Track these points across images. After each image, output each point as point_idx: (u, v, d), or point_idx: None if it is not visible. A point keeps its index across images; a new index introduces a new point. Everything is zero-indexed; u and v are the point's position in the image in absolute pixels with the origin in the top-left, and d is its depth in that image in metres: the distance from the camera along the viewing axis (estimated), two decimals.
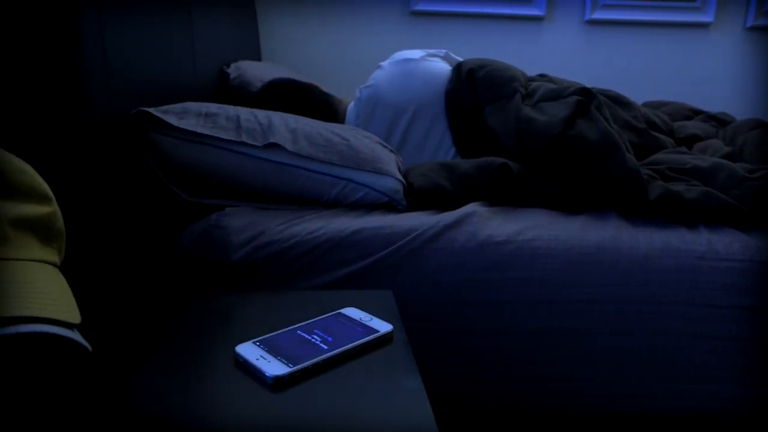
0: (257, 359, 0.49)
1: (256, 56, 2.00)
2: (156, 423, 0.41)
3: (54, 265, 0.55)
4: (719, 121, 1.48)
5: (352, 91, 2.14)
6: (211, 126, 0.94)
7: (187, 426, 0.41)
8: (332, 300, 0.64)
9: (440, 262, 0.87)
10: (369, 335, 0.54)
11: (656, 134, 1.29)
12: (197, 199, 0.96)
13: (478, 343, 0.88)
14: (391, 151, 1.08)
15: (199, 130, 0.92)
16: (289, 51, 2.17)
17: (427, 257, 0.87)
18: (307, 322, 0.57)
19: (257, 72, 1.56)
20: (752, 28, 2.23)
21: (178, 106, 0.96)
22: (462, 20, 2.18)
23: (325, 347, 0.51)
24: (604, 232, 0.90)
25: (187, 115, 0.95)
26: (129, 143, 0.92)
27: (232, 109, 0.99)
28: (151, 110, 0.91)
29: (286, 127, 0.98)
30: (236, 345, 0.52)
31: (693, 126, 1.42)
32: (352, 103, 1.35)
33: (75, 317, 0.47)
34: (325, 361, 0.49)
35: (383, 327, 0.56)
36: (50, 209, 0.55)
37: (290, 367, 0.47)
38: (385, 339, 0.55)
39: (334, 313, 0.59)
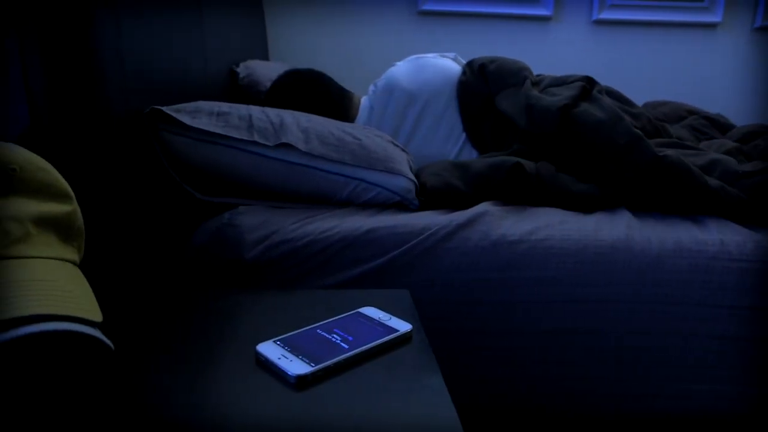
0: (279, 358, 0.49)
1: (264, 56, 2.00)
2: (179, 422, 0.41)
3: (74, 263, 0.55)
4: (713, 121, 1.48)
5: (358, 91, 2.14)
6: (223, 125, 0.94)
7: (211, 425, 0.41)
8: (349, 299, 0.64)
9: (453, 262, 0.87)
10: (389, 335, 0.54)
11: (659, 133, 1.30)
12: (210, 197, 0.96)
13: (491, 343, 0.88)
14: (403, 150, 1.08)
15: (211, 129, 0.92)
16: (296, 50, 2.17)
17: (440, 256, 0.87)
18: (326, 321, 0.57)
19: (266, 71, 1.56)
20: (760, 29, 2.23)
21: (191, 105, 0.96)
22: (469, 20, 2.18)
23: (346, 346, 0.51)
24: (616, 232, 0.90)
25: (199, 114, 0.95)
26: (143, 142, 0.92)
27: (244, 108, 0.99)
28: (165, 109, 0.92)
29: (298, 126, 0.98)
30: (256, 344, 0.52)
31: (677, 130, 1.42)
32: (365, 97, 1.36)
33: (97, 315, 0.47)
34: (346, 360, 0.49)
35: (403, 326, 0.56)
36: (71, 207, 0.55)
37: (312, 366, 0.47)
38: (405, 338, 0.55)
39: (353, 312, 0.59)
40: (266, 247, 0.87)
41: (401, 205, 1.01)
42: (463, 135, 1.27)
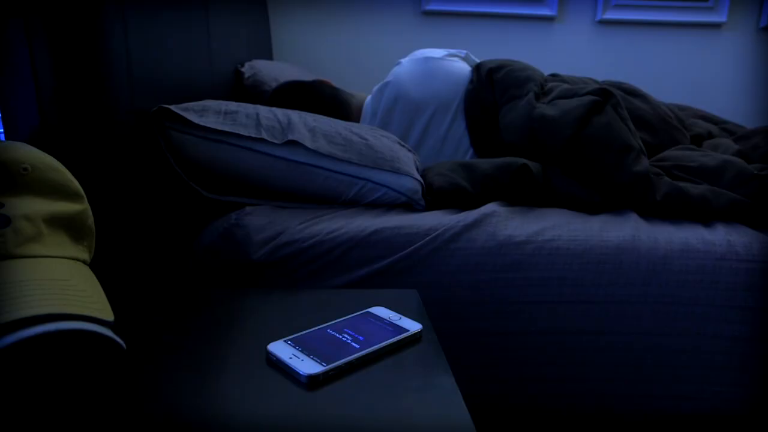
0: (290, 358, 0.49)
1: (268, 56, 2.00)
2: (190, 421, 0.41)
3: (85, 262, 0.55)
4: (730, 132, 1.48)
5: (362, 90, 2.14)
6: (230, 123, 0.94)
7: (222, 424, 0.41)
8: (358, 299, 0.64)
9: (460, 262, 0.87)
10: (399, 334, 0.54)
11: (671, 129, 1.29)
12: (216, 195, 0.96)
13: (498, 343, 0.88)
14: (410, 150, 1.08)
15: (218, 127, 0.93)
16: (301, 50, 2.17)
17: (446, 257, 0.87)
18: (336, 321, 0.57)
19: (271, 71, 1.56)
20: (765, 29, 2.22)
21: (198, 104, 0.97)
22: (473, 20, 2.18)
23: (357, 346, 0.51)
24: (623, 233, 0.90)
25: (206, 113, 0.95)
26: (150, 141, 0.93)
27: (251, 107, 1.00)
28: (172, 107, 0.92)
29: (305, 125, 0.98)
30: (266, 343, 0.52)
31: (705, 125, 1.42)
32: (368, 98, 1.35)
33: (109, 315, 0.48)
34: (357, 359, 0.49)
35: (413, 326, 0.56)
36: (82, 207, 0.55)
37: (324, 365, 0.48)
38: (415, 338, 0.55)
39: (363, 312, 0.59)
40: (273, 247, 0.87)
41: (408, 205, 1.01)
42: (471, 150, 1.27)
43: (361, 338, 0.53)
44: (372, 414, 0.43)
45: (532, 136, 1.09)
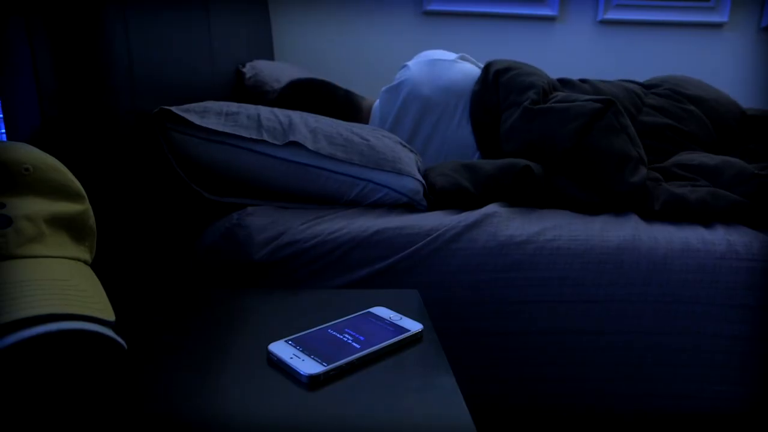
0: (291, 358, 0.49)
1: (269, 56, 2.00)
2: (191, 421, 0.41)
3: (86, 262, 0.55)
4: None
5: (364, 90, 2.15)
6: (232, 125, 0.94)
7: (223, 424, 0.41)
8: (359, 299, 0.64)
9: (461, 262, 0.87)
10: (400, 334, 0.54)
11: (675, 135, 1.29)
12: (218, 197, 0.96)
13: (499, 343, 0.88)
14: (411, 150, 1.08)
15: (220, 128, 0.93)
16: (302, 50, 2.17)
17: (448, 257, 0.87)
18: (337, 321, 0.57)
19: (273, 71, 1.56)
20: (766, 29, 2.22)
21: (199, 105, 0.97)
22: (474, 20, 2.18)
23: (358, 346, 0.51)
24: (623, 233, 0.90)
25: (208, 114, 0.95)
26: (151, 142, 0.93)
27: (252, 108, 1.00)
28: (173, 109, 0.92)
29: (306, 126, 0.98)
30: (267, 343, 0.52)
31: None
32: (377, 102, 1.35)
33: (110, 315, 0.48)
34: (358, 359, 0.50)
35: (414, 326, 0.56)
36: (83, 207, 0.55)
37: (324, 365, 0.48)
38: (416, 338, 0.55)
39: (364, 312, 0.59)
40: (275, 247, 0.87)
41: (409, 206, 1.01)
42: (477, 154, 1.27)
43: (361, 338, 0.53)
44: (372, 414, 0.43)
45: (531, 155, 1.10)
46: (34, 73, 0.74)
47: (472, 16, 2.18)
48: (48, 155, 0.55)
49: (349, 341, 0.52)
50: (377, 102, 1.35)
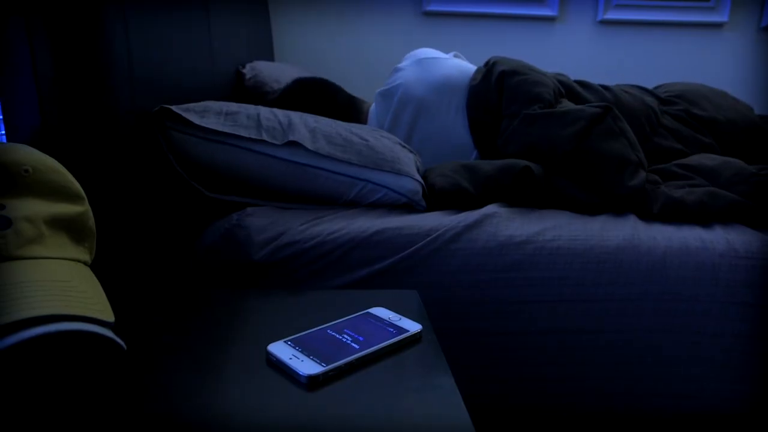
0: (290, 358, 0.49)
1: (269, 57, 2.00)
2: (190, 422, 0.42)
3: (85, 263, 0.55)
4: None
5: (363, 91, 2.14)
6: (231, 124, 0.95)
7: (222, 424, 0.41)
8: (358, 299, 0.65)
9: (461, 263, 0.87)
10: (399, 335, 0.54)
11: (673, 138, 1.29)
12: (217, 195, 0.97)
13: (499, 343, 0.88)
14: (411, 151, 1.08)
15: (219, 128, 0.93)
16: (301, 51, 2.17)
17: (447, 257, 0.87)
18: (336, 321, 0.57)
19: (272, 72, 1.56)
20: (766, 28, 2.22)
21: (199, 105, 0.97)
22: (474, 20, 2.18)
23: (357, 347, 0.51)
24: (623, 232, 0.91)
25: (207, 114, 0.95)
26: (151, 142, 0.93)
27: (252, 108, 1.00)
28: (173, 108, 0.92)
29: (306, 126, 0.99)
30: (266, 344, 0.52)
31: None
32: (372, 106, 1.35)
33: (109, 315, 0.48)
34: (357, 360, 0.50)
35: (413, 327, 0.56)
36: (83, 208, 0.55)
37: (323, 366, 0.48)
38: (415, 339, 0.55)
39: (363, 312, 0.59)
40: (274, 248, 0.87)
41: (409, 206, 1.01)
42: (475, 153, 1.27)
43: (361, 339, 0.53)
44: (372, 414, 0.43)
45: (530, 150, 1.10)
46: (34, 73, 0.74)
47: (472, 17, 2.18)
48: (48, 156, 0.55)
49: (348, 342, 0.52)
50: (373, 105, 1.35)
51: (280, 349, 0.50)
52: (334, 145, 0.97)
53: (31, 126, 0.74)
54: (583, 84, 1.36)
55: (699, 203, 0.96)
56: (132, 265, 0.88)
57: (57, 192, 0.53)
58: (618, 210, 1.02)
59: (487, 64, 1.33)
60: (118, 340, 0.46)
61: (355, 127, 1.04)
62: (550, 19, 2.19)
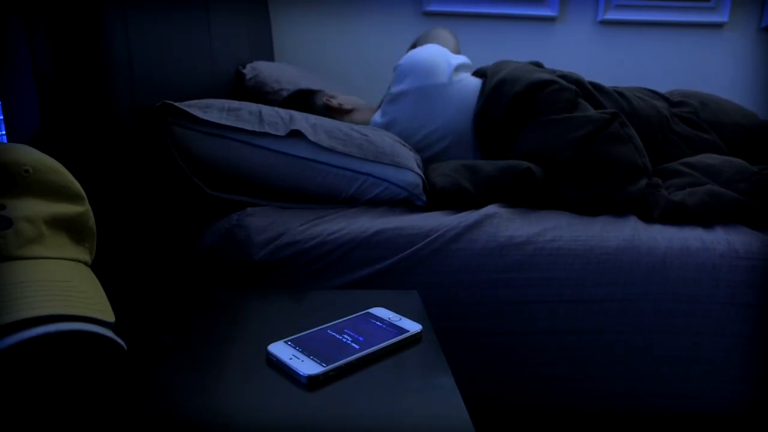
0: (290, 358, 0.49)
1: (269, 56, 2.00)
2: (190, 422, 0.42)
3: (86, 263, 0.55)
4: None
5: (363, 91, 2.15)
6: (234, 119, 0.95)
7: (222, 425, 0.41)
8: (358, 300, 0.65)
9: (461, 263, 0.87)
10: (399, 335, 0.54)
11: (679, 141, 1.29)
12: (218, 192, 0.97)
13: (498, 343, 0.88)
14: (410, 149, 1.08)
15: (222, 121, 0.93)
16: (302, 51, 2.17)
17: (448, 258, 0.87)
18: (336, 321, 0.57)
19: (273, 72, 1.56)
20: (767, 29, 2.22)
21: (202, 102, 0.98)
22: (474, 20, 2.18)
23: (357, 347, 0.51)
24: (623, 233, 0.90)
25: (210, 109, 0.95)
26: (152, 141, 0.93)
27: (254, 105, 1.01)
28: (176, 103, 0.92)
29: (307, 121, 1.00)
30: (267, 344, 0.52)
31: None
32: (377, 113, 1.31)
33: (110, 316, 0.48)
34: (357, 360, 0.50)
35: (413, 327, 0.56)
36: (83, 208, 0.55)
37: (324, 366, 0.48)
38: (415, 339, 0.55)
39: (363, 312, 0.59)
40: (274, 248, 0.87)
41: (409, 204, 1.01)
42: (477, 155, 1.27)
43: (361, 339, 0.53)
44: (372, 414, 0.43)
45: (532, 154, 1.10)
46: (34, 73, 0.74)
47: (472, 17, 2.18)
48: (48, 156, 0.55)
49: (349, 342, 0.52)
50: (377, 114, 1.32)
51: (281, 349, 0.50)
52: (335, 139, 0.98)
53: (31, 126, 0.74)
54: (598, 88, 1.32)
55: (701, 204, 0.96)
56: (132, 265, 0.87)
57: (57, 192, 0.53)
58: (619, 211, 1.02)
59: (495, 90, 1.24)
60: (119, 340, 0.46)
61: (355, 125, 1.05)
62: (550, 20, 2.19)
